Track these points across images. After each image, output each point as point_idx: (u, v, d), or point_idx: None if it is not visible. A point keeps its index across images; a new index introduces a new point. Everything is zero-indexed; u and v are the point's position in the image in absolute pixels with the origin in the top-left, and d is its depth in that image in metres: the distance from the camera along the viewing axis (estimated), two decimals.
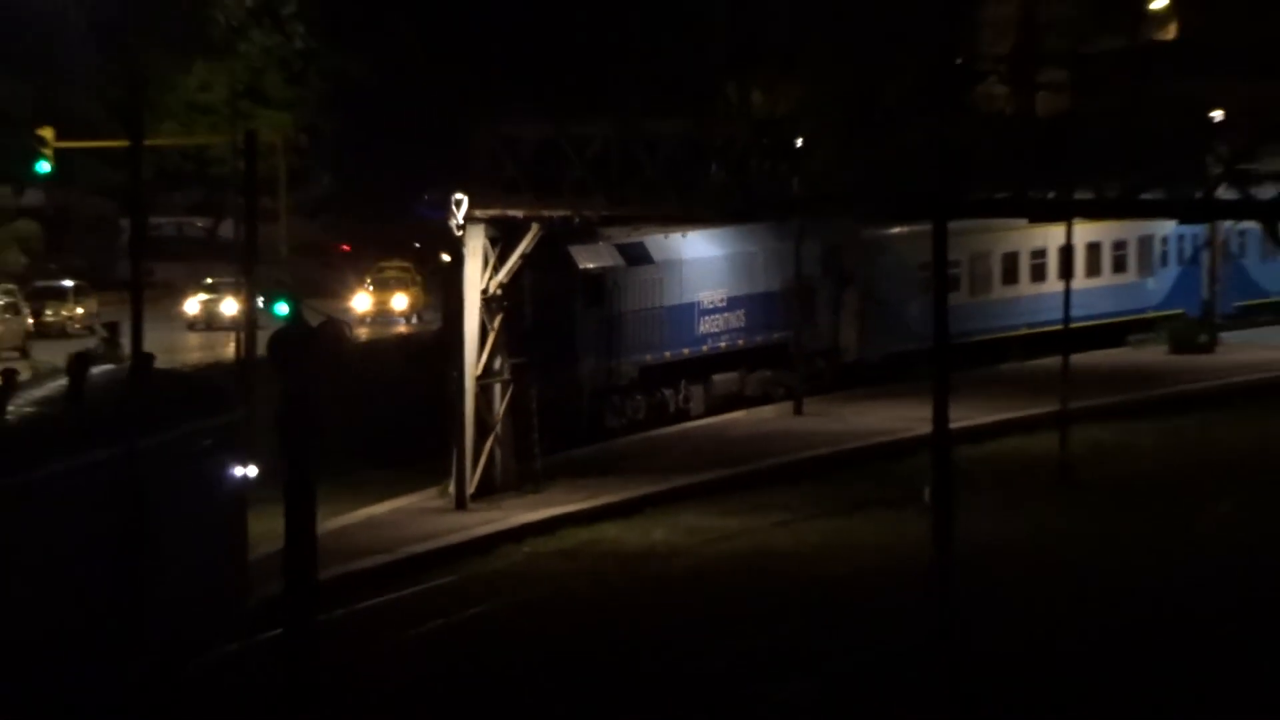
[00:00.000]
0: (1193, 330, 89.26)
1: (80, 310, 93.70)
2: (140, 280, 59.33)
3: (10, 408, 45.85)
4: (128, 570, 42.84)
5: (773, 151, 69.94)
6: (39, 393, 48.67)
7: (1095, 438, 67.31)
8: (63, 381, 51.02)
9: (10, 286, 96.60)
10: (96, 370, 51.49)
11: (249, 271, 71.04)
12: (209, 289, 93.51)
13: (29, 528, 39.82)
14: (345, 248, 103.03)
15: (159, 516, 43.69)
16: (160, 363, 55.04)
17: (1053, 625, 49.00)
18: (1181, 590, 52.22)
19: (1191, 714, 42.79)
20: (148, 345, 53.70)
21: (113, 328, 77.44)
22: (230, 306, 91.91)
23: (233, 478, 47.06)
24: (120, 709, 42.23)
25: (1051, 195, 68.93)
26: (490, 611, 51.13)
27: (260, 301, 60.41)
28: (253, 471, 49.26)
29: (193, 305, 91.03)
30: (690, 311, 74.56)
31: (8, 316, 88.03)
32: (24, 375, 47.79)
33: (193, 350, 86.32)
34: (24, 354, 79.73)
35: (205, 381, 53.65)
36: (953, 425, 47.29)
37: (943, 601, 44.69)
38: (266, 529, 50.00)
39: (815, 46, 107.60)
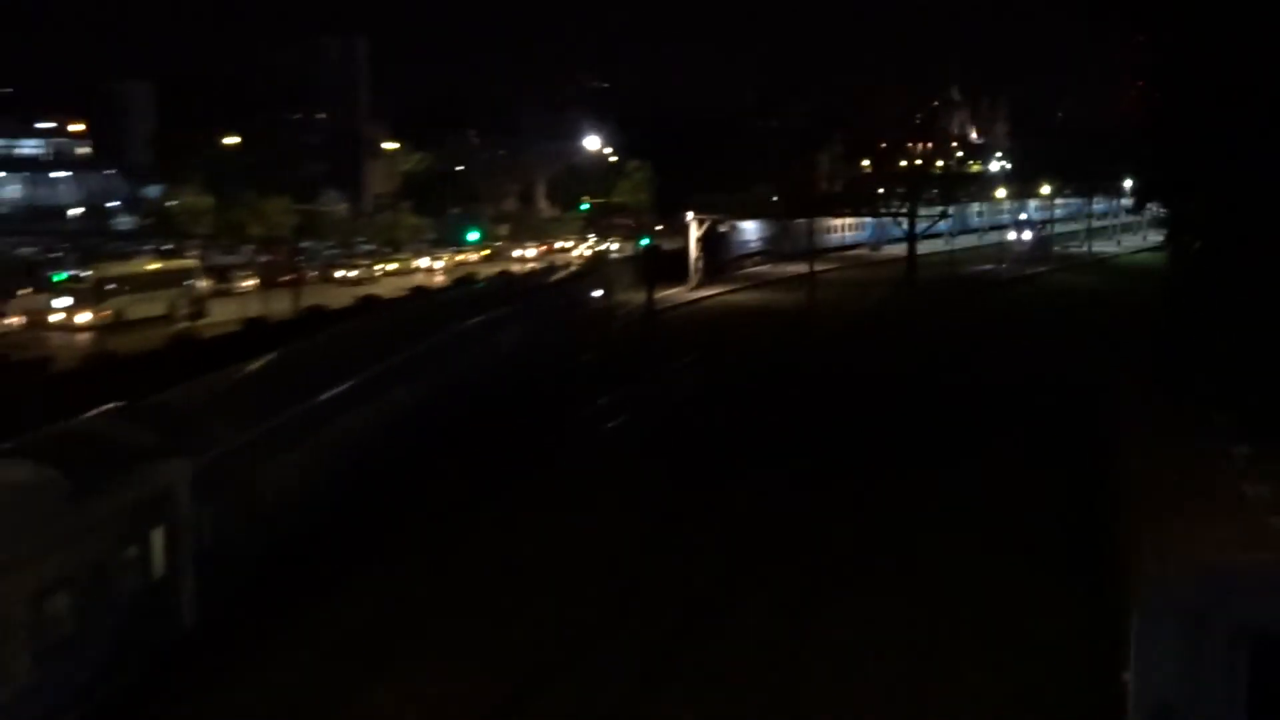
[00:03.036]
0: (865, 247, 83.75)
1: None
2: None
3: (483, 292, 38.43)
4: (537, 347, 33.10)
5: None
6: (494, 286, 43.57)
7: (845, 274, 66.30)
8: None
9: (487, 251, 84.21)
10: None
11: (637, 231, 67.43)
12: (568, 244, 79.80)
13: (495, 334, 30.27)
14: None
15: (551, 323, 35.08)
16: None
17: (834, 318, 48.36)
18: (854, 316, 50.51)
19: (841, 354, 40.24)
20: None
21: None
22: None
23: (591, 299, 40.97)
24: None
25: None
26: (694, 313, 51.92)
27: (641, 242, 59.77)
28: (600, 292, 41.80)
29: (530, 251, 79.74)
30: (747, 242, 72.96)
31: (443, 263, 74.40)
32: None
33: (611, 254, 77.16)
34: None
35: (582, 272, 45.62)
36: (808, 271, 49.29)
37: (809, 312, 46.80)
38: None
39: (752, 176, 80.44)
